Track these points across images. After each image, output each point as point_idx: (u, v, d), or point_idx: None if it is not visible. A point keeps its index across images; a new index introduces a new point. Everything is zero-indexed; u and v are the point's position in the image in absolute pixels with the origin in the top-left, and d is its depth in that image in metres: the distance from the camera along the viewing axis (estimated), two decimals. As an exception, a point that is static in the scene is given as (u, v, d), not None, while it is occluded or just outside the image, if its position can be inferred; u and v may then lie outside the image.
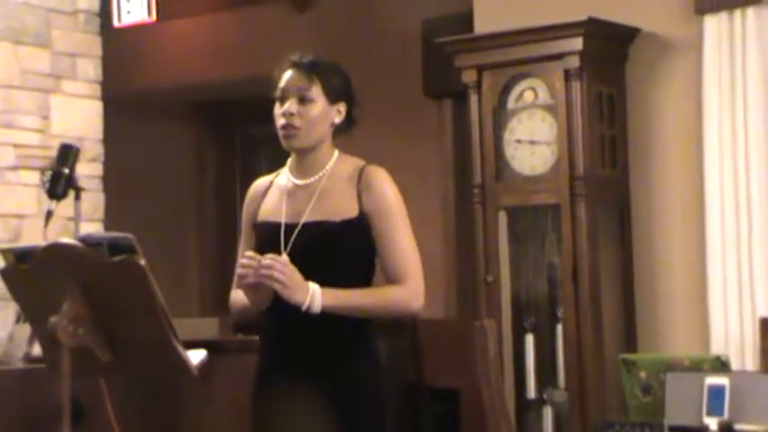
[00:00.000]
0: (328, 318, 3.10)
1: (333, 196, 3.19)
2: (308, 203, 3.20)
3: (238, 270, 3.10)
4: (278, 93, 3.24)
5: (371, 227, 3.17)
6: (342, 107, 3.25)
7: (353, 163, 3.25)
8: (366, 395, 3.18)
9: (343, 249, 3.16)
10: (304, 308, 3.06)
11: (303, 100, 3.20)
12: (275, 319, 3.18)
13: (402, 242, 3.18)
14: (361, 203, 3.17)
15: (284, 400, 3.18)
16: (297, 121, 3.19)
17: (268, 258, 3.06)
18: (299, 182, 3.25)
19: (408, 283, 3.17)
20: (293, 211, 3.21)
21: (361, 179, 3.19)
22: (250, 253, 3.11)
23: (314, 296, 3.07)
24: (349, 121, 3.27)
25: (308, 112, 3.20)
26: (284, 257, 3.11)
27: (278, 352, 3.21)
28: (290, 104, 3.20)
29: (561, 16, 5.35)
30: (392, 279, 3.18)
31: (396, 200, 3.20)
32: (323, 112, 3.21)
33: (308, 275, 3.09)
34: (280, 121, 3.22)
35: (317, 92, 3.20)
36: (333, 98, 3.22)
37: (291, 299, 3.06)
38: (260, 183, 3.37)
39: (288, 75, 3.24)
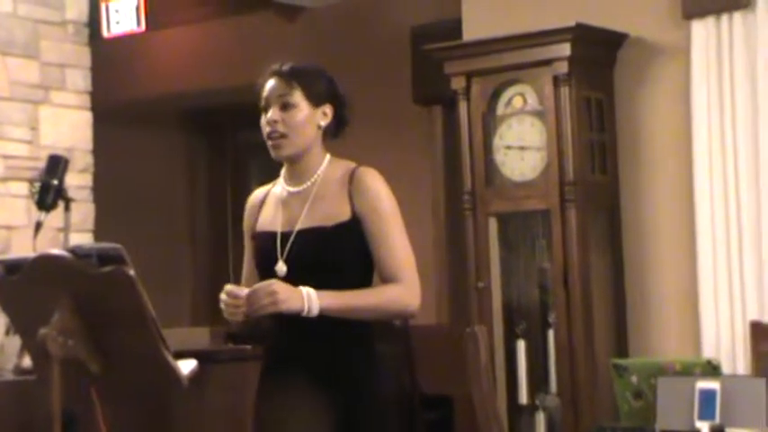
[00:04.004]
0: (330, 322, 3.11)
1: (325, 201, 3.20)
2: (301, 210, 3.21)
3: (222, 307, 3.13)
4: (262, 103, 3.26)
5: (364, 227, 3.17)
6: (327, 109, 3.25)
7: (345, 166, 3.25)
8: (370, 401, 3.20)
9: (338, 254, 3.17)
10: (303, 313, 3.07)
11: (285, 106, 3.21)
12: (279, 326, 3.20)
13: (395, 241, 3.18)
14: (353, 205, 3.18)
15: (288, 403, 3.19)
16: (281, 128, 3.20)
17: (248, 291, 3.08)
18: (292, 189, 3.26)
19: (404, 282, 3.17)
20: (288, 219, 3.23)
21: (352, 181, 3.20)
22: (229, 288, 3.12)
23: (310, 300, 3.08)
24: (339, 122, 3.28)
25: (292, 117, 3.21)
26: (279, 265, 3.14)
27: (282, 357, 3.23)
28: (273, 112, 3.22)
29: (549, 22, 5.36)
30: (387, 278, 3.18)
31: (387, 199, 3.20)
32: (307, 117, 3.22)
33: (307, 282, 3.10)
34: (265, 130, 3.24)
35: (298, 97, 3.21)
36: (316, 101, 3.23)
37: (287, 311, 3.07)
38: (257, 194, 3.38)
39: (269, 84, 3.26)
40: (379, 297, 3.17)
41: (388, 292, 3.18)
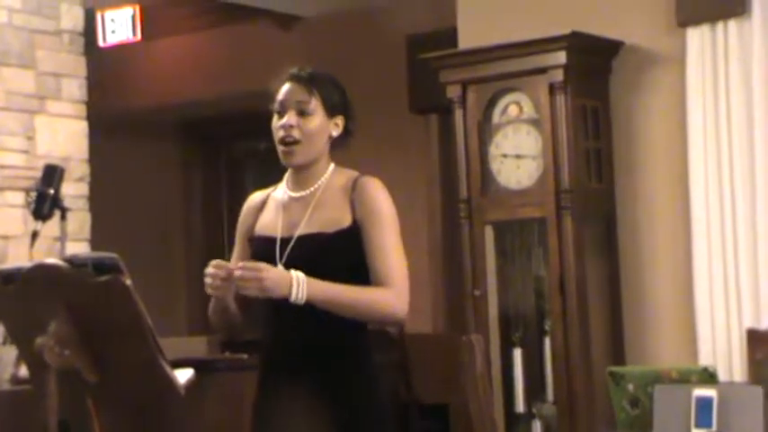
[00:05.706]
0: (326, 332, 3.12)
1: (327, 207, 3.20)
2: (302, 216, 3.21)
3: (206, 279, 3.10)
4: (276, 106, 3.23)
5: (362, 233, 3.17)
6: (339, 120, 3.25)
7: (348, 174, 3.25)
8: (367, 411, 3.18)
9: (337, 260, 3.17)
10: (291, 299, 3.06)
11: (303, 113, 3.20)
12: (273, 334, 3.20)
13: (390, 249, 3.18)
14: (354, 212, 3.18)
15: (285, 413, 3.18)
16: (296, 134, 3.19)
17: (237, 268, 3.06)
18: (294, 194, 3.25)
19: (394, 288, 3.16)
20: (288, 224, 3.22)
21: (354, 189, 3.20)
22: (217, 261, 3.11)
23: (299, 284, 3.06)
24: (346, 133, 3.28)
25: (308, 125, 3.20)
26: (279, 269, 3.12)
27: (277, 368, 3.22)
28: (290, 117, 3.20)
29: (545, 30, 5.36)
30: (378, 284, 3.17)
31: (387, 208, 3.20)
32: (321, 126, 3.21)
33: None
34: (279, 134, 3.21)
35: (316, 105, 3.20)
36: (331, 112, 3.23)
37: (274, 296, 3.06)
38: (256, 197, 3.37)
39: (286, 87, 3.23)
40: (368, 296, 3.16)
41: (378, 293, 3.16)
